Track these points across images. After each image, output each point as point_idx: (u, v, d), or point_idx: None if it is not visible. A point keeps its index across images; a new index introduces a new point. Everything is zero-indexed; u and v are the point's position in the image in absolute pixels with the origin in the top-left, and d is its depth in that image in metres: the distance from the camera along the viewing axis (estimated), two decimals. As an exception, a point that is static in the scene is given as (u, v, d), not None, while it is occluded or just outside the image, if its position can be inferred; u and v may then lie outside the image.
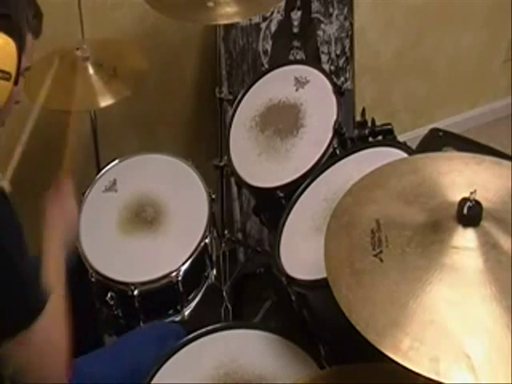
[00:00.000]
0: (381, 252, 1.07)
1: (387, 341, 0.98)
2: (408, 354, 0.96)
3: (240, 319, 1.93)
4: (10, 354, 1.15)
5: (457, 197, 1.06)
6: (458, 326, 0.98)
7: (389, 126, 1.68)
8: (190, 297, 1.71)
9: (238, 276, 2.06)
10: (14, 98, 1.19)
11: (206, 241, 1.68)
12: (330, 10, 2.35)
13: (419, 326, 0.98)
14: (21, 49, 1.13)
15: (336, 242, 1.15)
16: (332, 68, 2.42)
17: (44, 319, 1.15)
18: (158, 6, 1.77)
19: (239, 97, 1.86)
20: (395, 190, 1.18)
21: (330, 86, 1.75)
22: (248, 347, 1.41)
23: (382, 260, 1.06)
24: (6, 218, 1.14)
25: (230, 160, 1.79)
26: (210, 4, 1.74)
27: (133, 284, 1.59)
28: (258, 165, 1.73)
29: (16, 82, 1.14)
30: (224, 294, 1.97)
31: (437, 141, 1.90)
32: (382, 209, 1.15)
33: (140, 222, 1.71)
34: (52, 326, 1.18)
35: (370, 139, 1.68)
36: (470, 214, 1.03)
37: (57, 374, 1.20)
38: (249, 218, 2.29)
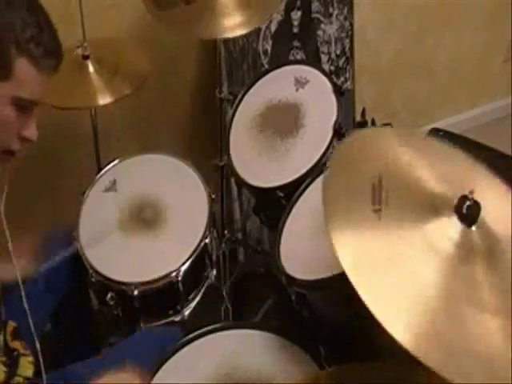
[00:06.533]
0: (380, 210, 1.06)
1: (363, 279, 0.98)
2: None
3: (240, 319, 1.93)
4: None
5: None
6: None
7: (389, 126, 1.68)
8: (190, 297, 1.71)
9: (238, 276, 2.06)
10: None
11: (206, 241, 1.68)
12: (330, 10, 2.35)
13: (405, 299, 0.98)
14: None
15: (337, 181, 1.13)
16: (332, 68, 2.42)
17: None
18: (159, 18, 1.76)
19: (239, 97, 1.86)
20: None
21: (329, 86, 1.75)
22: (248, 347, 1.41)
23: (380, 218, 1.06)
24: None
25: (230, 160, 1.78)
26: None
27: (133, 284, 1.59)
28: (258, 165, 1.73)
29: None
30: (224, 293, 1.97)
31: (437, 141, 1.90)
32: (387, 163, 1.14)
33: (140, 222, 1.71)
34: None
35: (370, 139, 1.68)
36: (469, 213, 1.04)
37: None
38: (249, 218, 2.29)
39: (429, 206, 1.08)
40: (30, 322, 1.22)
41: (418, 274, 1.01)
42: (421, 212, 1.07)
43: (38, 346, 1.24)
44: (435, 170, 1.14)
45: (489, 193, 1.11)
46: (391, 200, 1.07)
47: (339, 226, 1.04)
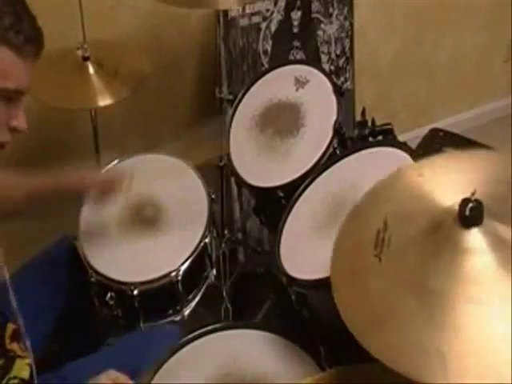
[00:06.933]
0: (381, 252, 1.06)
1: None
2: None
3: (240, 319, 1.93)
4: None
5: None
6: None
7: (389, 126, 1.68)
8: (190, 297, 1.71)
9: (238, 276, 2.06)
10: None
11: (206, 241, 1.68)
12: (330, 10, 2.35)
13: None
14: None
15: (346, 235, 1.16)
16: (332, 68, 2.42)
17: None
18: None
19: (239, 97, 1.86)
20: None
21: (330, 86, 1.75)
22: (248, 347, 1.41)
23: (380, 260, 1.06)
24: None
25: (230, 160, 1.78)
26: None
27: (132, 284, 1.59)
28: (258, 165, 1.73)
29: None
30: (224, 293, 1.97)
31: (437, 141, 1.91)
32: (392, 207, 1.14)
33: (140, 222, 1.71)
34: None
35: (370, 139, 1.68)
36: (473, 214, 1.02)
37: None
38: (249, 218, 2.29)
39: (431, 227, 1.06)
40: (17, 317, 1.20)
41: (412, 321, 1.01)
42: (423, 238, 1.06)
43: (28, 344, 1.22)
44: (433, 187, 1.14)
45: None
46: (393, 238, 1.08)
47: (342, 278, 1.08)
